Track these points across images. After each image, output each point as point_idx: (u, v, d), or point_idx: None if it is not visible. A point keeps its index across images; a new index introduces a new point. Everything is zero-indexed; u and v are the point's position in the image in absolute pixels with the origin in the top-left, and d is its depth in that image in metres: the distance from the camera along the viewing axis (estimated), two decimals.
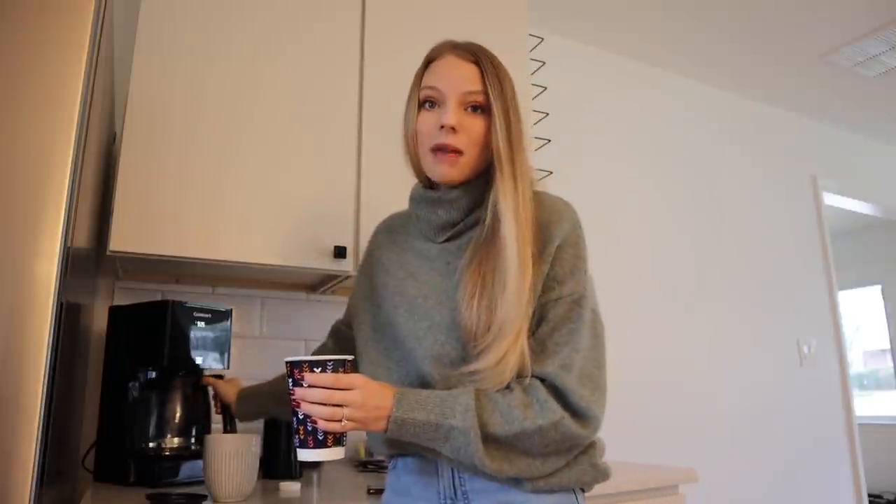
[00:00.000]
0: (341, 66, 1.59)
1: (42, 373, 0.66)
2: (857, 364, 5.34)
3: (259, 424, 1.51)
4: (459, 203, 0.94)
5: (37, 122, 0.70)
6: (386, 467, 1.53)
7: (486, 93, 0.92)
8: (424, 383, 0.90)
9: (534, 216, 0.89)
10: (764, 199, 3.07)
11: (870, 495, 4.46)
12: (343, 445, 0.83)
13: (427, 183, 1.00)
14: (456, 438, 0.81)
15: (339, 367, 0.82)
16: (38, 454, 0.64)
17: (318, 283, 1.73)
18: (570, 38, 2.58)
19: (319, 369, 0.81)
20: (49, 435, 0.70)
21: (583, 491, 0.92)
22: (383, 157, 1.58)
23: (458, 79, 0.93)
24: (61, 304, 0.70)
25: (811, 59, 2.75)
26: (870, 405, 5.20)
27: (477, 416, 0.81)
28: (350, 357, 0.86)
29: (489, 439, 0.82)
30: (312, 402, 0.80)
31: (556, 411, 0.82)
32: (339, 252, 1.46)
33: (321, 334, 1.79)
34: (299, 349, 1.75)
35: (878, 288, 5.17)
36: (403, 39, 1.69)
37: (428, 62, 0.99)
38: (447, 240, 0.97)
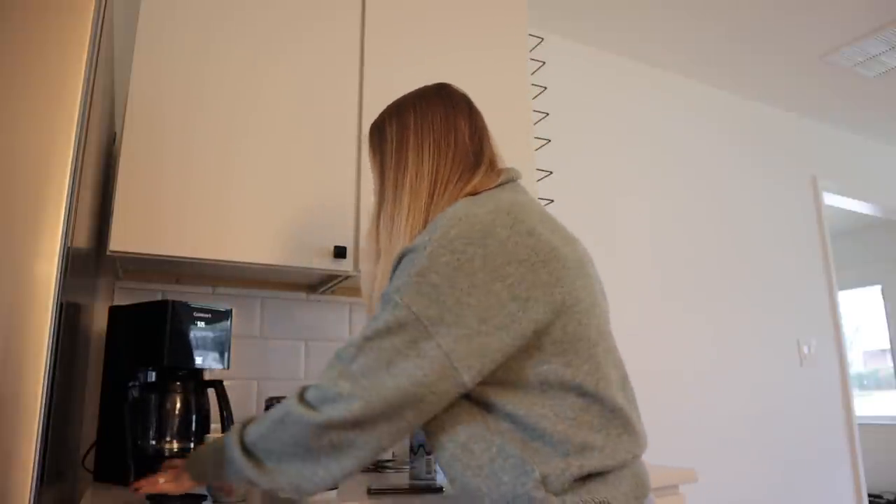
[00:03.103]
0: (341, 66, 1.59)
1: (42, 373, 0.66)
2: (857, 364, 5.35)
3: None
4: None
5: (37, 122, 0.70)
6: (387, 467, 1.53)
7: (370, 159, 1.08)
8: None
9: None
10: (764, 199, 3.07)
11: (870, 495, 4.46)
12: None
13: None
14: (229, 458, 0.87)
15: None
16: (38, 454, 0.64)
17: (318, 283, 1.73)
18: (570, 38, 2.58)
19: None
20: (49, 435, 0.70)
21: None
22: None
23: None
24: (61, 304, 0.70)
25: (811, 59, 2.75)
26: (870, 405, 5.21)
27: (238, 431, 0.87)
28: None
29: (247, 447, 0.86)
30: None
31: (287, 402, 0.84)
32: (339, 252, 1.46)
33: (321, 334, 1.80)
34: (299, 349, 1.75)
35: (878, 288, 5.18)
36: (403, 39, 1.69)
37: None
38: None
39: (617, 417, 0.84)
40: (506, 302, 0.80)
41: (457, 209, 0.85)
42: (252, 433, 0.86)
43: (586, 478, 0.80)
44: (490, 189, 0.93)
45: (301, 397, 0.84)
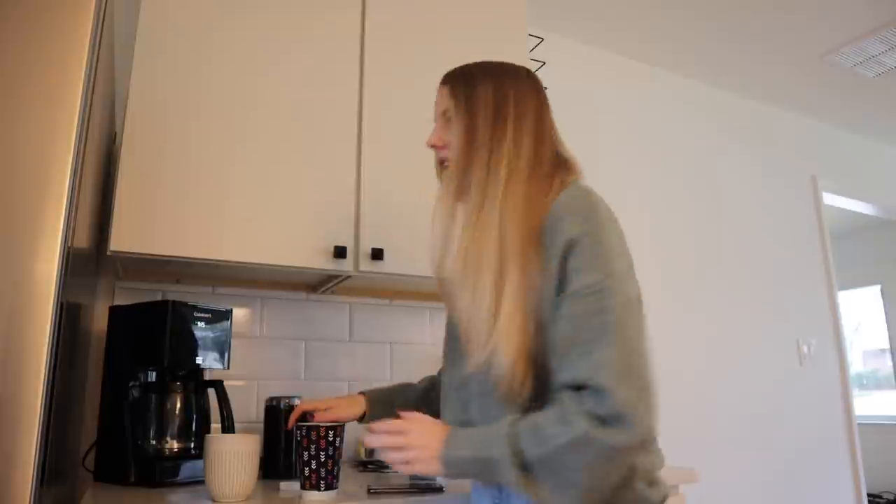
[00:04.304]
0: (341, 66, 1.59)
1: (42, 373, 0.66)
2: (856, 364, 5.34)
3: (259, 424, 1.51)
4: None
5: (37, 122, 0.70)
6: (387, 467, 1.53)
7: (450, 106, 1.01)
8: (475, 394, 0.93)
9: (546, 213, 0.90)
10: (764, 199, 3.07)
11: (870, 495, 4.45)
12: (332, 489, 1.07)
13: None
14: (499, 469, 0.81)
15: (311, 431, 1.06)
16: (38, 454, 0.64)
17: (318, 283, 1.73)
18: (570, 37, 2.58)
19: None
20: (49, 435, 0.70)
21: None
22: (383, 157, 1.58)
23: (438, 103, 1.05)
24: (61, 305, 0.70)
25: (811, 59, 2.75)
26: (870, 405, 5.20)
27: (511, 443, 0.80)
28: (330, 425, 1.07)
29: (527, 466, 0.79)
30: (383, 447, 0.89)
31: (578, 423, 0.76)
32: (339, 252, 1.46)
33: (321, 334, 1.80)
34: (299, 349, 1.75)
35: (877, 288, 5.17)
36: (403, 39, 1.69)
37: None
38: None
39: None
40: None
41: (584, 190, 0.90)
42: (532, 452, 0.79)
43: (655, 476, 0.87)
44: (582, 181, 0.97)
45: (608, 415, 0.76)
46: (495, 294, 0.85)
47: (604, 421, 0.76)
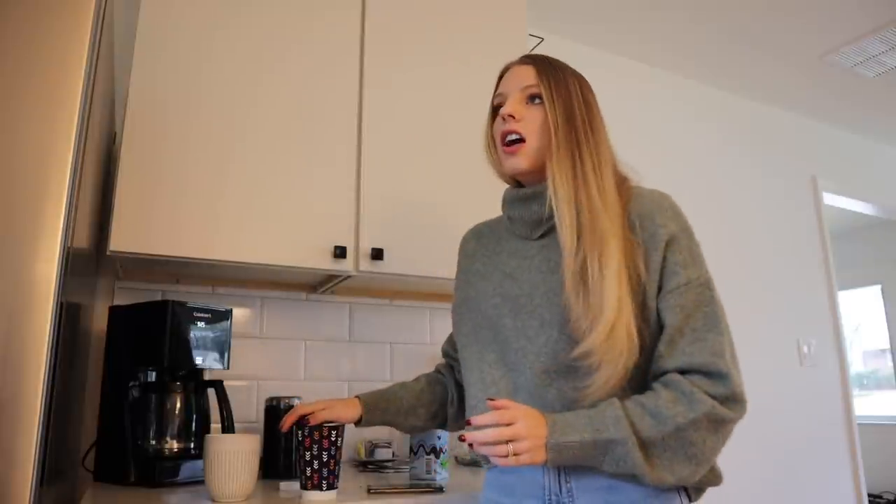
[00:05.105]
0: (341, 66, 1.59)
1: (42, 373, 0.66)
2: (857, 364, 5.34)
3: (259, 424, 1.52)
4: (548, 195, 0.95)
5: (37, 122, 0.71)
6: (387, 467, 1.53)
7: (543, 85, 0.99)
8: (534, 382, 0.91)
9: (629, 207, 0.93)
10: (764, 199, 3.07)
11: (870, 495, 4.46)
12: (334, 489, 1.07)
13: (517, 184, 1.06)
14: (614, 451, 0.82)
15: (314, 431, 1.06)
16: (38, 454, 0.64)
17: (318, 283, 1.73)
18: (570, 38, 2.58)
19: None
20: (49, 434, 0.70)
21: (689, 496, 0.90)
22: (383, 157, 1.58)
23: (517, 79, 1.02)
24: (61, 305, 0.70)
25: (811, 59, 2.75)
26: (870, 405, 5.20)
27: (629, 423, 0.82)
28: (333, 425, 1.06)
29: (646, 445, 0.81)
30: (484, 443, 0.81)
31: (704, 401, 0.82)
32: (339, 252, 1.46)
33: (321, 334, 1.80)
34: (299, 349, 1.75)
35: (878, 288, 5.17)
36: (403, 39, 1.69)
37: (498, 80, 1.07)
38: (543, 235, 0.99)
39: None
40: None
41: (659, 191, 0.97)
42: (650, 432, 0.81)
43: None
44: None
45: (727, 396, 0.85)
46: (619, 291, 0.85)
47: (722, 400, 0.83)
